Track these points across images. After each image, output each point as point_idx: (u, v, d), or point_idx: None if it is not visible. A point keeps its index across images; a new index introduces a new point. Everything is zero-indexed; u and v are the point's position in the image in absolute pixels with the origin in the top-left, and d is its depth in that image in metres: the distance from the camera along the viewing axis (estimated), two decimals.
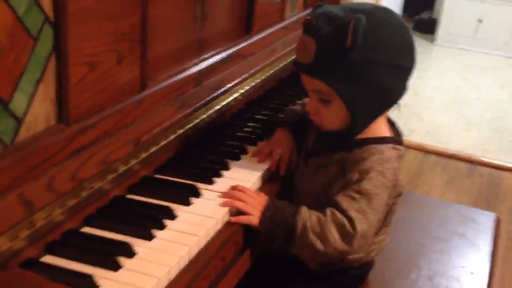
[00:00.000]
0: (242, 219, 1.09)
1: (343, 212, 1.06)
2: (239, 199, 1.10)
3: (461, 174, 3.08)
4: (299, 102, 1.61)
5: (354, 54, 1.05)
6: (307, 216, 1.08)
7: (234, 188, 1.14)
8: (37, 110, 0.99)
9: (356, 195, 1.07)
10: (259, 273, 1.22)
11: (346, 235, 1.06)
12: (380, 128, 1.17)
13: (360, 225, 1.06)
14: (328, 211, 1.08)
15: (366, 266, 1.25)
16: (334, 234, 1.06)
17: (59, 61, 1.01)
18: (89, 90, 1.07)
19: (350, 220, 1.06)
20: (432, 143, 3.33)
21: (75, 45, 1.02)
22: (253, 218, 1.09)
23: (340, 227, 1.06)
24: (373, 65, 1.07)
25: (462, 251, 1.45)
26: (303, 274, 1.21)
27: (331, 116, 1.13)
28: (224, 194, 1.13)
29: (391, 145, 1.14)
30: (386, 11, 1.12)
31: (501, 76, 4.74)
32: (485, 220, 1.58)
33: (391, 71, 1.09)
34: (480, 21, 5.21)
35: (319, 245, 1.06)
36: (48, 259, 0.93)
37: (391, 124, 1.21)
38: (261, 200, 1.11)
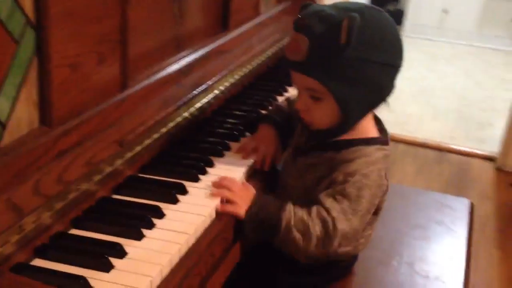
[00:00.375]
0: (229, 208, 1.10)
1: (327, 210, 1.09)
2: (228, 189, 1.12)
3: (430, 162, 3.15)
4: (278, 97, 1.64)
5: (347, 52, 1.06)
6: (292, 213, 1.10)
7: (223, 178, 1.15)
8: (20, 113, 0.99)
9: (339, 197, 1.10)
10: (248, 267, 1.23)
11: (327, 234, 1.09)
12: (367, 127, 1.19)
13: (341, 225, 1.09)
14: (314, 208, 1.10)
15: (352, 259, 1.29)
16: (317, 232, 1.09)
17: (41, 64, 1.00)
18: (71, 91, 1.07)
19: (332, 219, 1.09)
20: (402, 133, 3.40)
21: (57, 47, 1.01)
22: (239, 208, 1.11)
23: (324, 225, 1.09)
24: (365, 63, 1.08)
25: (441, 237, 1.49)
26: (292, 267, 1.23)
27: (322, 114, 1.14)
28: (213, 184, 1.14)
29: (378, 146, 1.17)
30: (376, 9, 1.13)
31: (466, 65, 4.85)
32: (460, 206, 1.63)
33: (383, 69, 1.11)
34: (445, 11, 5.32)
35: (302, 242, 1.09)
36: (38, 262, 0.92)
37: (377, 121, 1.23)
38: (249, 193, 1.13)
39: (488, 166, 3.12)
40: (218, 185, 1.14)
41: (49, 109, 1.02)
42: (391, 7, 5.79)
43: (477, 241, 2.26)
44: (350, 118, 1.14)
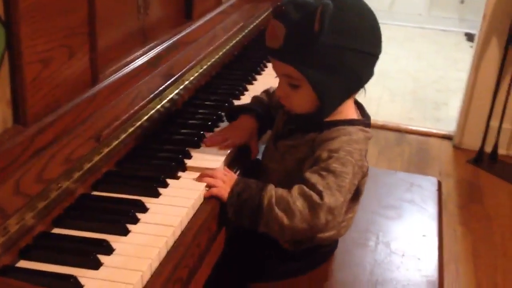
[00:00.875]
0: (212, 191, 1.11)
1: (312, 186, 1.10)
2: (210, 176, 1.13)
3: (391, 143, 3.22)
4: (248, 85, 1.64)
5: (322, 39, 1.08)
6: (272, 192, 1.11)
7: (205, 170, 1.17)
8: None
9: (324, 173, 1.11)
10: (233, 254, 1.24)
11: (313, 206, 1.09)
12: (348, 111, 1.20)
13: (328, 198, 1.09)
14: (296, 186, 1.11)
15: (334, 243, 1.31)
16: (300, 207, 1.09)
17: (13, 61, 0.97)
18: (44, 88, 1.05)
19: (318, 193, 1.09)
20: None
21: (28, 43, 0.98)
22: (223, 190, 1.12)
23: (307, 199, 1.09)
24: (340, 50, 1.10)
25: (413, 215, 1.53)
26: (277, 253, 1.24)
27: (300, 100, 1.16)
28: (197, 178, 1.15)
29: (360, 127, 1.18)
30: None
31: (418, 47, 4.96)
32: (429, 185, 1.67)
33: (359, 57, 1.12)
34: None
35: (285, 220, 1.09)
36: (24, 264, 0.90)
37: (359, 107, 1.25)
38: (231, 176, 1.15)
39: (446, 145, 3.21)
40: (201, 174, 1.14)
41: (23, 107, 1.00)
42: None
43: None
44: (326, 104, 1.16)
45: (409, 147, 3.18)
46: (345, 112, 1.19)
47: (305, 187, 1.10)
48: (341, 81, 1.13)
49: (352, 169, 1.12)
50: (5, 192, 0.89)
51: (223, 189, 1.12)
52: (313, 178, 1.10)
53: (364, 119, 1.22)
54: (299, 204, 1.09)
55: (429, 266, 1.35)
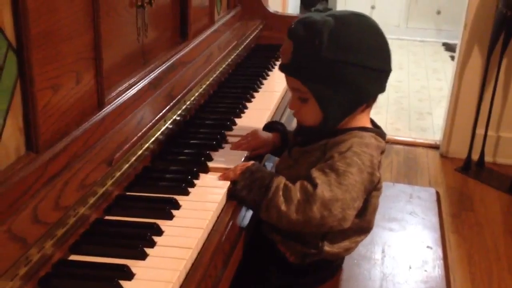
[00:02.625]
0: (228, 174, 1.21)
1: (311, 180, 1.13)
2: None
3: None
4: (247, 103, 1.65)
5: (324, 54, 1.12)
6: (283, 180, 1.16)
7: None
8: (7, 142, 0.95)
9: (327, 170, 1.13)
10: (241, 268, 1.24)
11: (307, 196, 1.11)
12: (362, 121, 1.22)
13: (321, 191, 1.10)
14: (299, 181, 1.15)
15: (340, 260, 1.32)
16: (298, 196, 1.12)
17: (24, 88, 0.97)
18: (54, 114, 1.04)
19: (314, 185, 1.12)
20: None
21: (39, 70, 0.98)
22: (238, 170, 1.21)
23: (304, 191, 1.12)
24: (343, 65, 1.13)
25: (415, 227, 1.55)
26: (284, 268, 1.25)
27: (309, 112, 1.20)
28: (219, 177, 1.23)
29: (373, 134, 1.20)
30: (361, 16, 1.18)
31: (396, 58, 5.02)
32: (428, 196, 1.69)
33: (362, 72, 1.15)
34: (373, 7, 5.50)
35: (283, 206, 1.12)
36: None
37: (374, 125, 1.27)
38: (247, 163, 1.24)
39: (433, 154, 3.25)
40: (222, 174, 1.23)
41: (35, 134, 0.99)
42: (320, 6, 5.93)
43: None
44: (330, 117, 1.18)
45: (397, 157, 3.22)
46: (360, 122, 1.21)
47: (306, 182, 1.13)
48: (344, 95, 1.16)
49: (358, 170, 1.13)
50: (24, 221, 0.88)
51: (238, 172, 1.20)
52: (315, 173, 1.14)
53: (379, 130, 1.24)
54: (298, 194, 1.12)
55: (436, 278, 1.36)
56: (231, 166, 1.25)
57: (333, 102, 1.16)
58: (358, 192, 1.14)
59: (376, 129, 1.23)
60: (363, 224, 1.23)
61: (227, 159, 1.31)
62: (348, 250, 1.26)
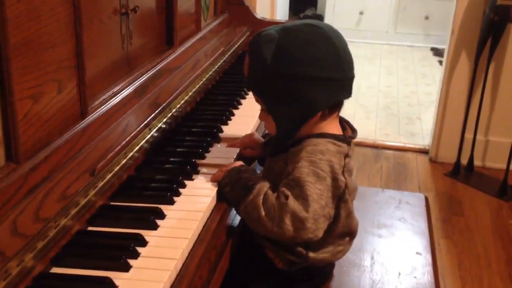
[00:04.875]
0: (218, 174, 1.22)
1: (282, 192, 1.13)
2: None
3: (369, 160, 3.24)
4: (234, 110, 1.64)
5: (269, 68, 1.16)
6: (267, 185, 1.17)
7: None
8: None
9: (292, 183, 1.13)
10: (230, 274, 1.22)
11: (280, 206, 1.11)
12: (325, 127, 1.20)
13: (292, 203, 1.10)
14: (278, 190, 1.15)
15: (329, 266, 1.30)
16: (274, 204, 1.12)
17: (4, 98, 0.95)
18: (35, 123, 1.02)
19: (286, 196, 1.12)
20: None
21: (19, 79, 0.96)
22: (226, 167, 1.24)
23: (278, 200, 1.12)
24: (288, 77, 1.15)
25: (405, 233, 1.54)
26: (272, 274, 1.24)
27: (270, 124, 1.24)
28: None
29: (329, 139, 1.18)
30: (310, 26, 1.18)
31: (386, 63, 5.04)
32: (417, 201, 1.68)
33: (309, 83, 1.15)
34: (361, 13, 5.51)
35: (261, 210, 1.12)
36: None
37: (346, 122, 1.26)
38: (237, 162, 1.27)
39: (422, 159, 3.25)
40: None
41: (16, 144, 0.97)
42: (309, 12, 5.94)
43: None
44: (281, 129, 1.20)
45: (387, 162, 3.22)
46: (319, 129, 1.20)
47: (280, 191, 1.14)
48: (293, 107, 1.17)
49: (317, 179, 1.12)
50: (3, 234, 0.86)
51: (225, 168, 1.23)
52: (283, 187, 1.14)
53: (337, 134, 1.21)
54: (274, 202, 1.12)
55: (425, 284, 1.35)
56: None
57: (283, 115, 1.19)
58: (325, 200, 1.14)
59: (335, 135, 1.20)
60: (341, 229, 1.22)
61: (213, 167, 1.29)
62: (336, 255, 1.25)
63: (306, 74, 1.13)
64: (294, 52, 1.14)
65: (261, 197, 1.13)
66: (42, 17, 1.03)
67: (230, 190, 1.18)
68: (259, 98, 1.23)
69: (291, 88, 1.15)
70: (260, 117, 1.27)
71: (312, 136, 1.18)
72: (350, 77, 1.19)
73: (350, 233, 1.26)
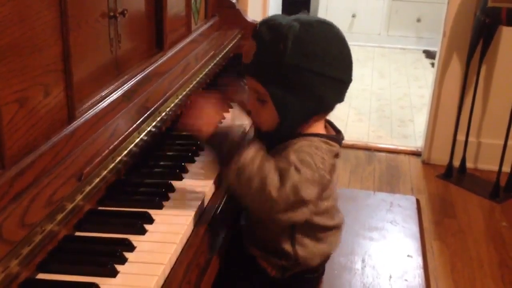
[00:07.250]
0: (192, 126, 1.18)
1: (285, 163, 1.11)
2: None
3: (362, 162, 3.24)
4: (225, 113, 1.62)
5: (287, 59, 1.11)
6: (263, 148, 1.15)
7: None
8: None
9: (283, 159, 1.13)
10: (221, 281, 1.21)
11: (283, 177, 1.10)
12: (315, 129, 1.20)
13: (281, 164, 1.10)
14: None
15: (321, 269, 1.29)
16: (272, 169, 1.10)
17: None
18: (21, 128, 1.01)
19: (290, 169, 1.10)
20: None
21: (4, 83, 0.95)
22: (205, 127, 1.17)
23: (281, 173, 1.10)
24: (304, 72, 1.12)
25: (396, 236, 1.53)
26: (265, 283, 1.23)
27: (266, 115, 1.19)
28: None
29: (323, 139, 1.18)
30: (326, 24, 1.16)
31: (379, 66, 5.05)
32: (408, 204, 1.68)
33: (324, 81, 1.13)
34: (353, 16, 5.52)
35: (256, 180, 1.09)
36: None
37: (331, 125, 1.25)
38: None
39: (415, 161, 3.25)
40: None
41: (1, 149, 0.96)
42: (302, 15, 5.94)
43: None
44: (286, 121, 1.17)
45: (380, 165, 3.21)
46: (311, 129, 1.19)
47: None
48: (302, 101, 1.15)
49: (309, 169, 1.11)
50: None
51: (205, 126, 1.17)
52: (279, 163, 1.12)
53: (330, 135, 1.21)
54: (266, 164, 1.11)
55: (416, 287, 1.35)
56: (208, 178, 1.23)
57: (291, 108, 1.16)
58: (310, 191, 1.12)
59: (328, 135, 1.21)
60: (324, 222, 1.22)
61: (203, 171, 1.29)
62: (324, 254, 1.25)
63: (323, 71, 1.12)
64: (315, 48, 1.12)
65: (260, 157, 1.11)
66: (28, 21, 1.02)
67: (219, 147, 1.15)
68: (263, 87, 1.16)
69: (305, 82, 1.13)
70: (252, 106, 1.21)
71: (306, 135, 1.18)
72: (351, 81, 1.20)
73: (336, 226, 1.25)
